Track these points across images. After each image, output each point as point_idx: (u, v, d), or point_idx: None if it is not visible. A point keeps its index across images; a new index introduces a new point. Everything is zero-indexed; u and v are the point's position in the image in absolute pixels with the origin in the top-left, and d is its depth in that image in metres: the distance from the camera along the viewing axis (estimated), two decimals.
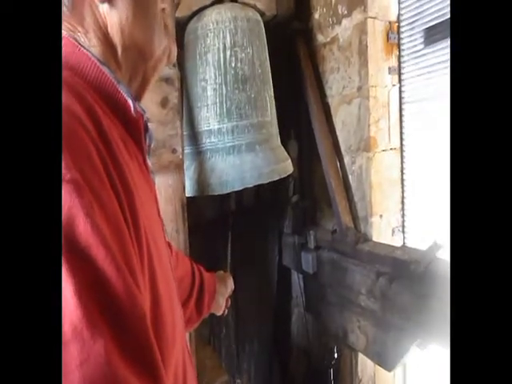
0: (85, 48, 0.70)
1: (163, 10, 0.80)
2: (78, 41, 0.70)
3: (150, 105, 1.58)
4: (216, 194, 2.09)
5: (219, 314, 1.50)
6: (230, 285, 1.55)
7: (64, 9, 0.68)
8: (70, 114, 0.55)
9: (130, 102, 0.72)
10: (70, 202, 0.49)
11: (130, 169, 0.66)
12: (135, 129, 0.75)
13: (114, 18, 0.71)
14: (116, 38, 0.73)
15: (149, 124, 0.80)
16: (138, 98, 0.82)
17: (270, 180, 2.08)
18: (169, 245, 1.16)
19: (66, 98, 0.57)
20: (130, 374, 0.49)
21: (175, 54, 0.86)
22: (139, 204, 0.64)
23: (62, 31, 0.69)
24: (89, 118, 0.59)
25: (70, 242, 0.48)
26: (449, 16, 1.72)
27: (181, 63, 2.14)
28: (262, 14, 2.32)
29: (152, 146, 0.84)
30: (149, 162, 0.81)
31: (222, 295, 1.47)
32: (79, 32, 0.70)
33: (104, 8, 0.71)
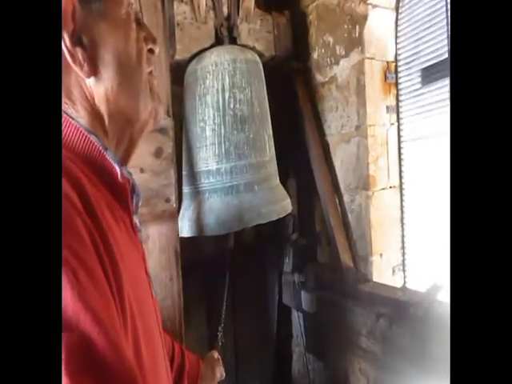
0: (73, 119, 0.72)
1: (150, 72, 0.83)
2: (66, 112, 0.72)
3: (144, 155, 1.60)
4: (214, 234, 2.08)
5: None
6: (219, 371, 1.45)
7: None
8: (62, 196, 0.57)
9: (117, 168, 0.75)
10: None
11: (115, 236, 0.67)
12: (122, 193, 0.77)
13: (100, 90, 0.74)
14: (102, 108, 0.76)
15: (134, 181, 0.82)
16: (125, 160, 0.84)
17: (269, 220, 2.07)
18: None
19: None
20: None
21: (161, 114, 0.87)
22: (123, 269, 0.65)
23: None
24: (75, 192, 0.61)
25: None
26: (446, 56, 1.74)
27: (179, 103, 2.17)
28: (261, 55, 2.36)
29: (140, 202, 0.86)
30: (136, 222, 0.83)
31: (207, 382, 1.38)
32: (67, 104, 0.73)
33: (90, 81, 0.73)
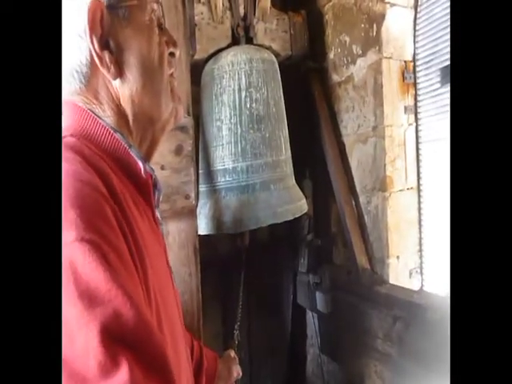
0: (100, 118, 0.78)
1: (171, 74, 0.89)
2: (94, 111, 0.78)
3: (165, 153, 1.63)
4: (230, 232, 2.10)
5: None
6: (236, 370, 1.46)
7: (81, 85, 0.77)
8: (88, 183, 0.63)
9: (140, 164, 0.81)
10: (88, 257, 0.55)
11: (139, 227, 0.72)
12: (145, 188, 0.83)
13: (126, 91, 0.80)
14: (127, 108, 0.81)
15: (156, 177, 0.88)
16: (148, 157, 0.90)
17: (284, 219, 2.08)
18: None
19: (83, 168, 0.66)
20: None
21: (182, 113, 0.93)
22: (148, 259, 0.70)
23: (80, 104, 0.78)
24: (104, 186, 0.66)
25: (92, 290, 0.54)
26: None
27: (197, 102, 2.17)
28: (277, 55, 2.37)
29: (161, 198, 0.92)
30: (158, 216, 0.89)
31: (223, 380, 1.39)
32: (94, 104, 0.79)
33: (116, 83, 0.79)
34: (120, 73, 0.78)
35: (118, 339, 0.54)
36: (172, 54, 0.89)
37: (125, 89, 0.80)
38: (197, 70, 2.22)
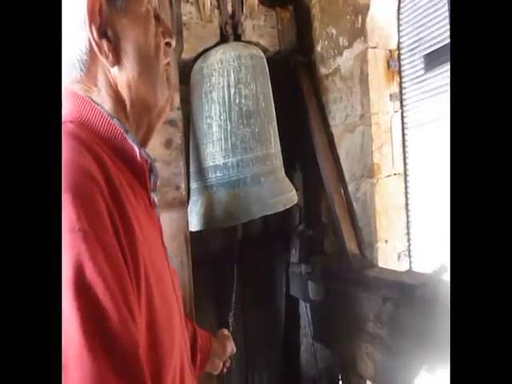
0: (98, 104, 0.82)
1: (167, 63, 0.93)
2: (93, 98, 0.82)
3: (155, 145, 1.70)
4: (222, 226, 2.15)
5: (216, 373, 1.48)
6: (230, 346, 1.51)
7: (81, 73, 0.81)
8: (83, 170, 0.66)
9: (136, 149, 0.83)
10: (79, 248, 0.58)
11: (134, 210, 0.76)
12: (140, 172, 0.86)
13: (123, 78, 0.84)
14: (125, 94, 0.85)
15: (154, 164, 0.91)
16: (144, 143, 0.93)
17: (275, 211, 2.11)
18: None
19: (80, 154, 0.69)
20: None
21: (177, 101, 1.01)
22: (140, 242, 0.73)
23: (79, 92, 0.81)
24: (100, 170, 0.69)
25: (77, 281, 0.56)
26: (449, 41, 1.77)
27: (187, 102, 2.21)
28: (266, 51, 2.41)
29: (158, 182, 0.95)
30: (154, 198, 0.93)
31: (218, 357, 1.45)
32: (93, 91, 0.82)
33: (114, 70, 0.83)
34: (118, 60, 0.82)
35: (98, 335, 0.56)
36: (168, 44, 0.93)
37: (122, 75, 0.83)
38: (186, 70, 2.26)
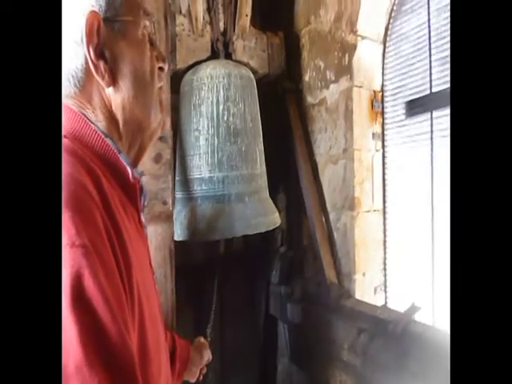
0: (92, 123, 0.82)
1: (160, 88, 0.94)
2: (87, 116, 0.82)
3: (144, 160, 1.65)
4: (205, 240, 2.16)
5: (193, 381, 1.50)
6: (207, 354, 1.55)
7: (76, 89, 0.81)
8: (80, 186, 0.66)
9: (129, 169, 0.85)
10: (79, 263, 0.58)
11: (127, 229, 0.76)
12: (132, 192, 0.87)
13: (118, 99, 0.84)
14: (119, 115, 0.85)
15: (143, 182, 0.93)
16: (135, 163, 0.94)
17: (258, 231, 2.14)
18: None
19: (77, 170, 0.69)
20: None
21: (168, 124, 1.02)
22: (133, 259, 0.74)
23: (73, 107, 0.82)
24: (94, 187, 0.70)
25: (77, 295, 0.57)
26: (428, 92, 1.85)
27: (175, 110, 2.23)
28: (255, 72, 2.44)
29: (146, 202, 0.96)
30: (143, 220, 0.93)
31: (195, 365, 1.47)
32: (88, 109, 0.83)
33: (109, 90, 0.83)
34: (113, 82, 0.82)
35: (97, 349, 0.56)
36: (161, 69, 0.94)
37: (117, 97, 0.84)
38: (176, 78, 2.27)
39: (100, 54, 0.80)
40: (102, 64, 0.80)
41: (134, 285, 0.72)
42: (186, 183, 2.21)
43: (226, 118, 2.17)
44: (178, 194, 2.24)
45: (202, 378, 1.54)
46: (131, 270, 0.72)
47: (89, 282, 0.58)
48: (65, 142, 0.74)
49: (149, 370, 0.75)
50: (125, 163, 0.84)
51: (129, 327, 0.65)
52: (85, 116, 0.82)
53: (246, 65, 2.43)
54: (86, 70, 0.80)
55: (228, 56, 2.36)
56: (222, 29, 2.36)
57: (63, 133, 0.77)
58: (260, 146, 2.31)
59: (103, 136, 0.82)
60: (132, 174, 0.85)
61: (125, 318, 0.64)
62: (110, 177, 0.81)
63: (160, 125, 0.94)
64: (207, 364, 1.56)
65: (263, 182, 2.30)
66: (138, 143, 0.93)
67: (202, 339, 1.60)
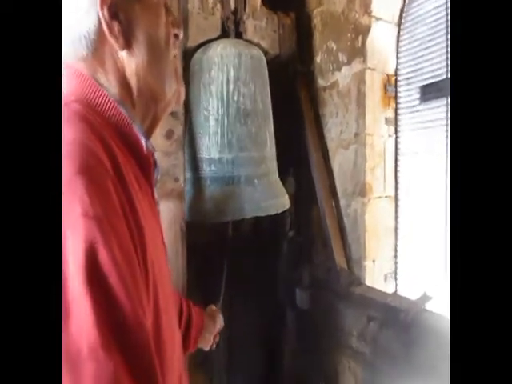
0: (104, 88, 0.79)
1: (175, 56, 0.90)
2: (98, 81, 0.79)
3: (156, 136, 1.66)
4: (214, 221, 2.14)
5: (206, 349, 1.51)
6: (219, 322, 1.56)
7: (88, 52, 0.78)
8: (92, 154, 0.63)
9: (143, 140, 0.81)
10: (93, 236, 0.56)
11: (140, 203, 0.73)
12: (146, 165, 0.84)
13: (132, 64, 0.81)
14: (132, 81, 0.82)
15: (156, 158, 0.88)
16: (148, 135, 0.90)
17: (268, 214, 2.13)
18: None
19: (88, 137, 0.65)
20: None
21: (183, 96, 0.95)
22: (147, 235, 0.71)
23: (84, 71, 0.78)
24: (108, 157, 0.67)
25: (91, 271, 0.55)
26: (444, 76, 1.80)
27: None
28: (266, 53, 2.40)
29: (158, 177, 0.92)
30: (156, 195, 0.90)
31: (209, 331, 1.48)
32: (100, 73, 0.79)
33: (123, 54, 0.80)
34: (128, 45, 0.79)
35: (113, 328, 0.55)
36: (176, 36, 0.90)
37: (131, 61, 0.80)
38: (185, 57, 2.21)
39: (114, 15, 0.77)
40: (116, 25, 0.77)
41: (148, 261, 0.69)
42: (195, 163, 2.18)
43: (236, 98, 2.13)
44: (187, 174, 2.20)
45: (215, 345, 1.55)
46: (145, 246, 0.69)
47: (103, 258, 0.56)
48: (75, 106, 0.71)
49: (163, 351, 0.73)
50: (138, 134, 0.81)
51: (144, 305, 0.63)
52: (96, 80, 0.79)
53: (257, 45, 2.38)
54: (99, 32, 0.77)
55: (238, 35, 2.32)
56: (232, 7, 2.32)
57: (73, 98, 0.74)
58: (270, 128, 2.28)
59: (115, 103, 0.79)
60: (146, 145, 0.82)
61: (140, 296, 0.62)
62: (122, 147, 0.77)
63: (175, 96, 0.91)
64: (219, 332, 1.57)
65: (273, 164, 2.27)
66: (151, 114, 0.89)
67: (213, 307, 1.61)
